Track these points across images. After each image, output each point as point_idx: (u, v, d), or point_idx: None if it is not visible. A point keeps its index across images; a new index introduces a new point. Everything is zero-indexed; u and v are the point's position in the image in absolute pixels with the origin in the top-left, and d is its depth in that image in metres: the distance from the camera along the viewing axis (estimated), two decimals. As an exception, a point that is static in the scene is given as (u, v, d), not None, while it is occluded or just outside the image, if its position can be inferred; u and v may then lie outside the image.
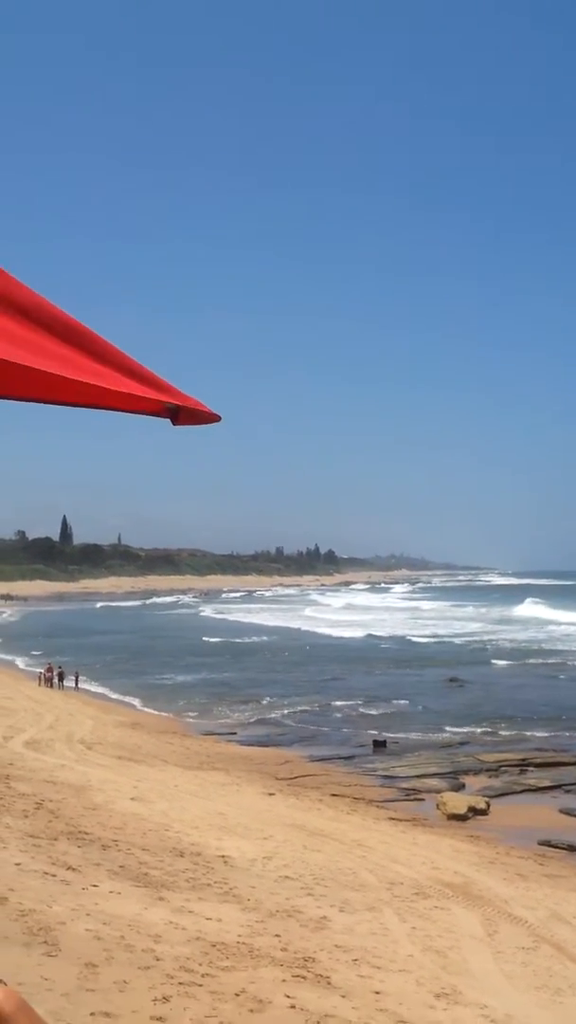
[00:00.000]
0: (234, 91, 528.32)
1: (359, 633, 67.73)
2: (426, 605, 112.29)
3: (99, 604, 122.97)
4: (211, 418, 3.33)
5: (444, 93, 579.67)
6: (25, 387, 3.36)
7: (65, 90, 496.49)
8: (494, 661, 48.35)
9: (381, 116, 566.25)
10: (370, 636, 65.70)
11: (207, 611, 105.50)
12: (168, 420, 3.34)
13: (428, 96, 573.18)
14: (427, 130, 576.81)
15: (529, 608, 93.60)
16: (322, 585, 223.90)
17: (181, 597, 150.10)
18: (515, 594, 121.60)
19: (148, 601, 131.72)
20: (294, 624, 79.06)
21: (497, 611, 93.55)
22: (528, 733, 27.76)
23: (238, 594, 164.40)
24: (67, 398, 3.49)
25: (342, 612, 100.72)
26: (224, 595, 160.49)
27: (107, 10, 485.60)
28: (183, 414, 3.25)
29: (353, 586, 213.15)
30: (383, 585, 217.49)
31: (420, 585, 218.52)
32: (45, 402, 3.56)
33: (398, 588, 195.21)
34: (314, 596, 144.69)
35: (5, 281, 2.68)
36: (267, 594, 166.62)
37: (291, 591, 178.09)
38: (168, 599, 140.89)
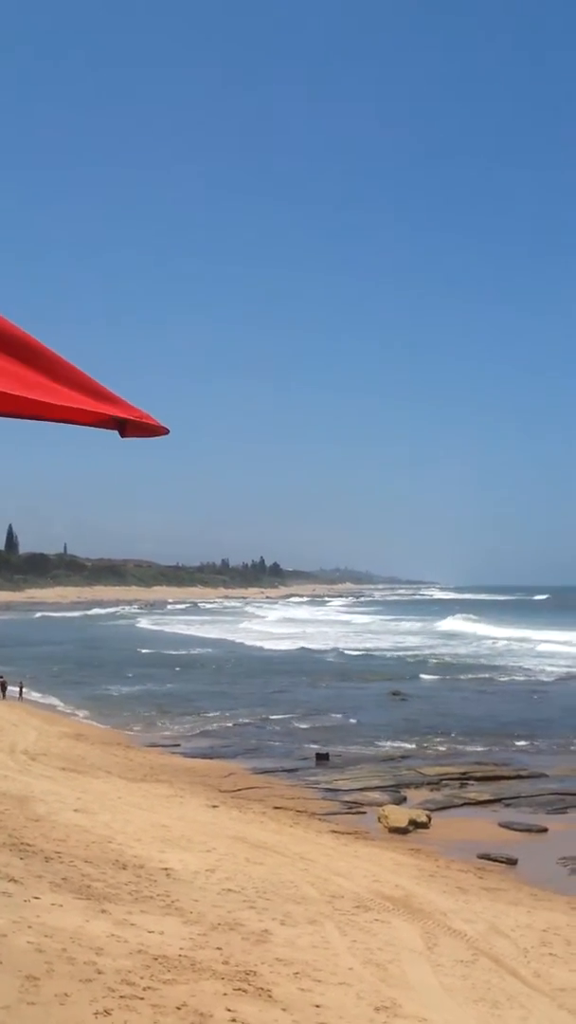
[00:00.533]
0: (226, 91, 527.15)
1: (292, 646, 68.48)
2: (362, 619, 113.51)
3: (38, 614, 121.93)
4: (159, 431, 3.39)
5: (443, 102, 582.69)
6: None
7: (51, 92, 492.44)
8: (423, 676, 48.79)
9: (376, 130, 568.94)
10: (304, 649, 66.25)
11: (144, 623, 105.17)
12: (116, 432, 3.40)
13: (427, 108, 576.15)
14: (423, 143, 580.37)
15: (458, 623, 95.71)
16: (267, 597, 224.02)
17: (125, 608, 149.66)
18: (450, 608, 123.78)
19: (90, 612, 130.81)
20: (233, 637, 79.20)
21: (430, 625, 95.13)
22: (468, 747, 28.01)
23: (182, 605, 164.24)
24: (15, 410, 3.53)
25: (279, 625, 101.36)
26: (169, 606, 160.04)
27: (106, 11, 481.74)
28: (131, 426, 3.32)
29: (291, 599, 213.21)
30: (325, 598, 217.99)
31: (362, 599, 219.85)
32: None
33: (337, 601, 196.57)
34: (251, 609, 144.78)
35: None
36: (210, 606, 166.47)
37: (235, 603, 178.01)
38: (109, 610, 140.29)
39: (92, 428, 3.39)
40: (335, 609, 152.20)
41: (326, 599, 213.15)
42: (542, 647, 64.79)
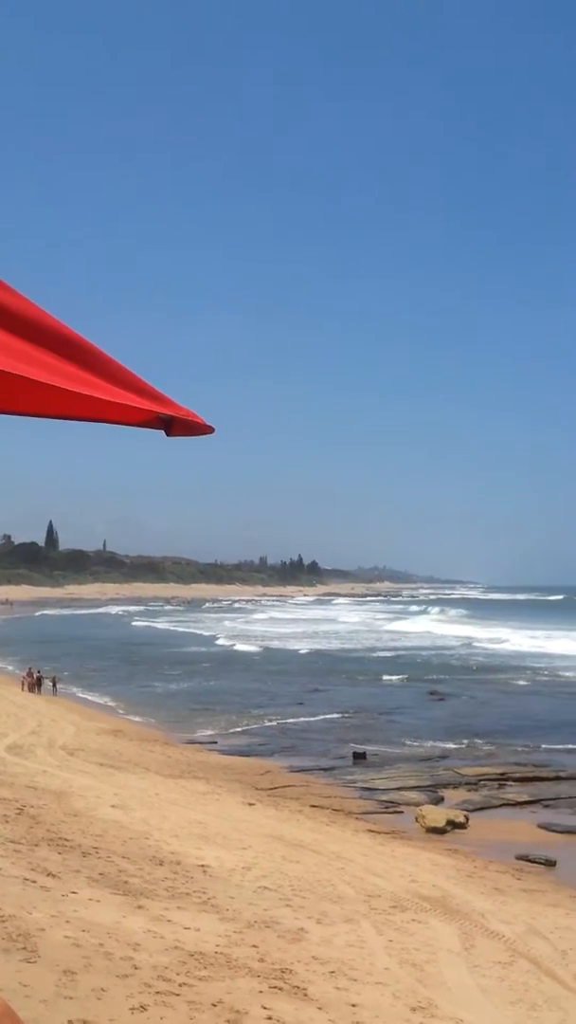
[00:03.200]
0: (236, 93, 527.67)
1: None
2: (352, 617, 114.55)
3: (39, 613, 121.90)
4: (205, 430, 3.36)
5: (453, 101, 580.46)
6: (18, 402, 3.40)
7: (61, 90, 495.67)
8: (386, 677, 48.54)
9: (391, 127, 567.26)
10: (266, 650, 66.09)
11: (140, 622, 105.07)
12: (162, 431, 3.37)
13: (437, 106, 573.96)
14: (435, 139, 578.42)
15: (426, 623, 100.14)
16: (304, 596, 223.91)
17: (113, 608, 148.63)
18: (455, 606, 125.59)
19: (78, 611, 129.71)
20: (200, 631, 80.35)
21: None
22: (505, 747, 27.84)
23: (223, 603, 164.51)
24: (61, 412, 3.52)
25: (259, 624, 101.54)
26: (207, 605, 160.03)
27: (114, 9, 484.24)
28: (177, 425, 3.29)
29: (298, 598, 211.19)
30: (334, 598, 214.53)
31: (377, 598, 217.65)
32: (39, 416, 3.60)
33: (344, 600, 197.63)
34: (248, 607, 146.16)
35: None
36: (247, 604, 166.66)
37: (243, 603, 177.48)
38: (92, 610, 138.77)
39: (137, 427, 3.37)
40: (337, 608, 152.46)
41: (335, 598, 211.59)
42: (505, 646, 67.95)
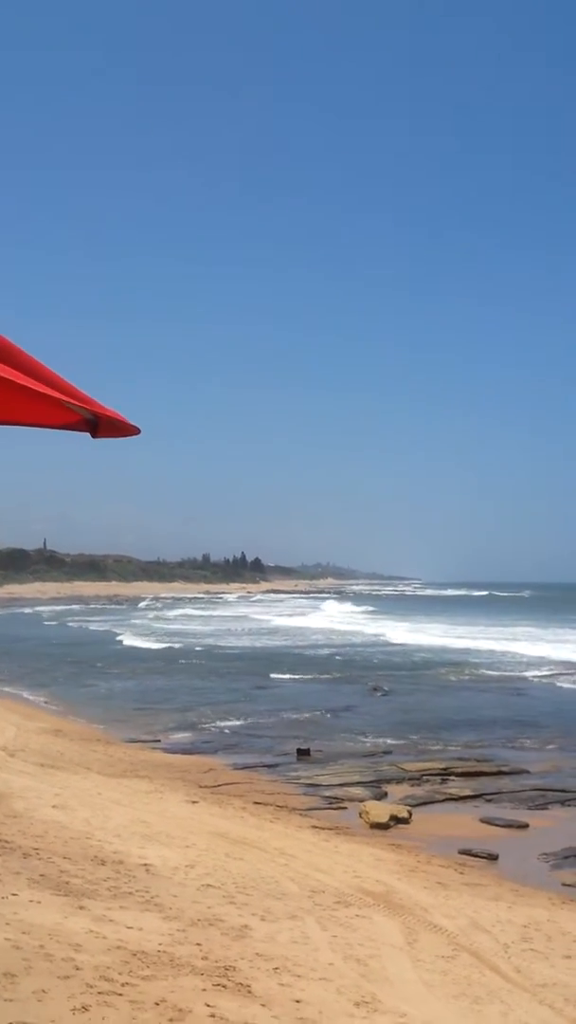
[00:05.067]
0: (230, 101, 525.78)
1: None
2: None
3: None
4: (131, 430, 3.31)
5: (442, 106, 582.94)
6: None
7: (54, 101, 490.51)
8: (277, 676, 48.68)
9: (374, 132, 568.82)
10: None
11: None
12: (87, 433, 3.32)
13: (425, 111, 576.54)
14: (421, 144, 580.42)
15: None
16: (248, 593, 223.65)
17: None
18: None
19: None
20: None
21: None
22: (447, 743, 28.05)
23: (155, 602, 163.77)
24: None
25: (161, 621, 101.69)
26: (143, 603, 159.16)
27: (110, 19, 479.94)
28: (102, 427, 3.23)
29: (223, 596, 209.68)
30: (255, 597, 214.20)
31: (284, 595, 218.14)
32: None
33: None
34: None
35: None
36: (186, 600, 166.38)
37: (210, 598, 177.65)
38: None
39: (62, 430, 3.31)
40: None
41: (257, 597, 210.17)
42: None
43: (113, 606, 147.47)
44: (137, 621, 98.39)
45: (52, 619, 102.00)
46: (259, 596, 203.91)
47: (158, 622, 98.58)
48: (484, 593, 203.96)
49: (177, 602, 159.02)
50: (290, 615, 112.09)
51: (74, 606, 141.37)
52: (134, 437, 3.44)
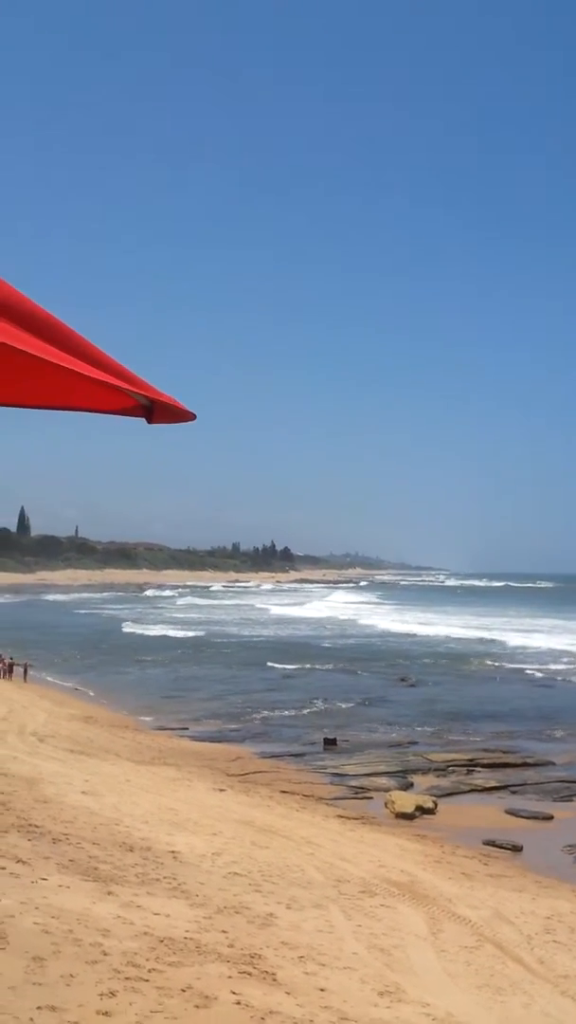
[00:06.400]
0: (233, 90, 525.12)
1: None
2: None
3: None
4: (186, 416, 3.34)
5: (445, 97, 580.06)
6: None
7: (57, 86, 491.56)
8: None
9: (382, 118, 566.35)
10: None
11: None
12: (143, 419, 3.35)
13: (430, 99, 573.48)
14: (429, 133, 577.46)
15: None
16: (277, 582, 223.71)
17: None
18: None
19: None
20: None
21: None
22: (472, 734, 28.06)
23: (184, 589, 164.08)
24: (41, 402, 3.51)
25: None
26: (170, 591, 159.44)
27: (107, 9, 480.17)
28: (158, 412, 3.27)
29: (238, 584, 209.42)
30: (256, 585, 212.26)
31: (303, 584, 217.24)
32: (16, 407, 3.58)
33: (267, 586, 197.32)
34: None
35: None
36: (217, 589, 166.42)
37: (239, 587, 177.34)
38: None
39: (118, 415, 3.34)
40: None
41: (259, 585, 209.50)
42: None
43: (135, 593, 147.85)
44: (158, 610, 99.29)
45: (79, 607, 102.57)
46: (290, 585, 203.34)
47: (179, 611, 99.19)
48: (500, 584, 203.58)
49: (196, 591, 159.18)
50: (300, 604, 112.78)
51: (104, 594, 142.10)
52: (170, 424, 3.44)
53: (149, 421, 3.30)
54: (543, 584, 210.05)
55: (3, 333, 2.66)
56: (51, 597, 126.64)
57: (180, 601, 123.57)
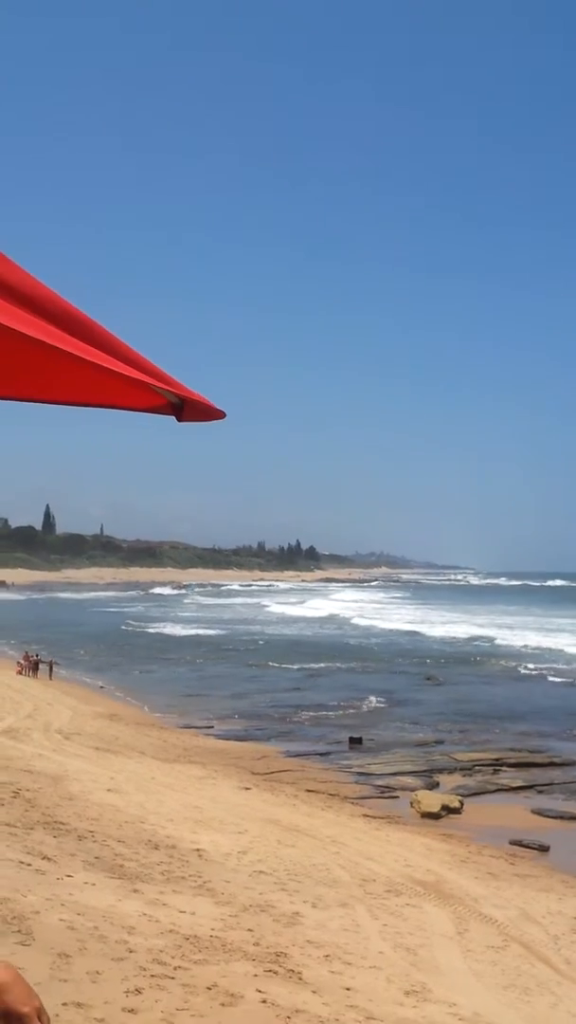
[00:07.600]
0: (239, 79, 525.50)
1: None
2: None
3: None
4: (216, 414, 3.30)
5: (450, 90, 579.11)
6: (29, 387, 3.37)
7: (65, 75, 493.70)
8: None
9: (388, 113, 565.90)
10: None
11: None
12: (172, 417, 3.33)
13: (434, 93, 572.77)
14: (435, 128, 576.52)
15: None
16: (302, 581, 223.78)
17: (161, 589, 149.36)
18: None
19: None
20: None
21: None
22: (500, 733, 27.94)
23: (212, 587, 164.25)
24: (71, 398, 3.49)
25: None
26: (198, 589, 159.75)
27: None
28: (188, 410, 3.24)
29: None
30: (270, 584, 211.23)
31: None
32: (49, 403, 3.56)
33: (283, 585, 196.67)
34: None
35: (9, 269, 2.66)
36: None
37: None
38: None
39: (147, 413, 3.32)
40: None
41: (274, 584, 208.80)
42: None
43: (172, 592, 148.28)
44: (183, 611, 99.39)
45: (101, 606, 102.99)
46: (314, 584, 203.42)
47: (204, 611, 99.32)
48: (517, 583, 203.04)
49: (207, 590, 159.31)
50: (312, 602, 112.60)
51: (130, 592, 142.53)
52: (195, 423, 3.40)
53: (179, 419, 3.26)
54: (560, 583, 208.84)
55: (39, 330, 2.63)
56: (64, 595, 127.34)
57: (187, 600, 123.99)
